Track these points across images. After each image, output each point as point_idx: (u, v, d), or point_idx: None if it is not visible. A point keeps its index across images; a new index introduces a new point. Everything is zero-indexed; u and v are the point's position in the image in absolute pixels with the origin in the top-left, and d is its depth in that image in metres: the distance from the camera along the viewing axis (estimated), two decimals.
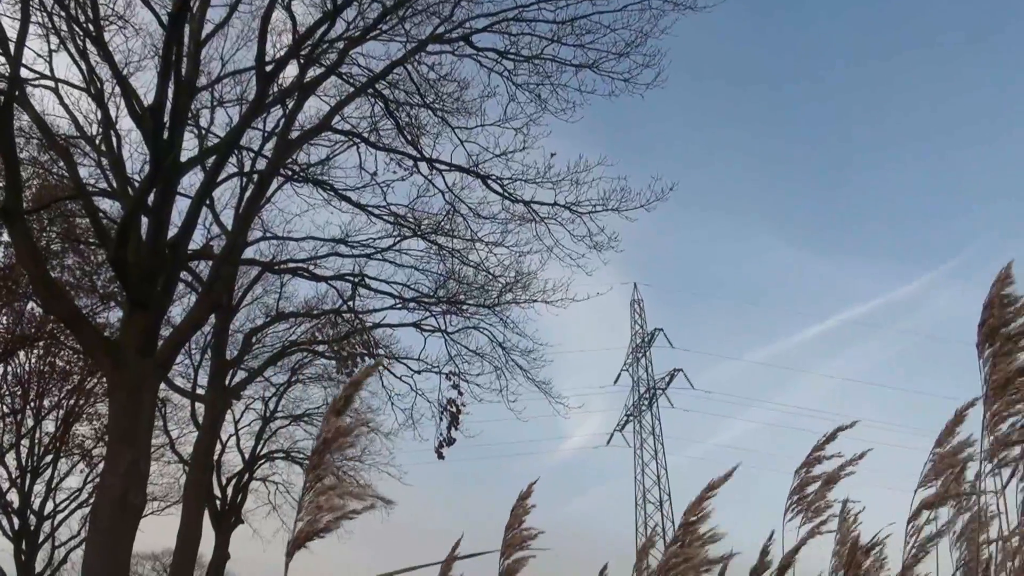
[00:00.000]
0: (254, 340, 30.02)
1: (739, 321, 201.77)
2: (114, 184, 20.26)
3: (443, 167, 21.65)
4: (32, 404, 34.72)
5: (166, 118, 15.85)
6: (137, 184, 18.95)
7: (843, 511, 3.71)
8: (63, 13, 18.34)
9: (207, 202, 23.21)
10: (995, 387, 3.30)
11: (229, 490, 36.48)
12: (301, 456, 38.75)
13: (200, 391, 29.52)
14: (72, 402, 34.08)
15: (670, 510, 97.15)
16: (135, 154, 22.05)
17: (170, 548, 28.14)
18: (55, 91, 19.99)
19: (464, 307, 25.72)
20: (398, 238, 24.88)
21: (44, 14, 18.64)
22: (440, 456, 27.62)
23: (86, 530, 37.64)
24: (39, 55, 19.66)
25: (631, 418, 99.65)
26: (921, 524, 3.18)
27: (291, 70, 19.25)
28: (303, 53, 18.52)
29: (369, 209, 23.60)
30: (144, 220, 16.68)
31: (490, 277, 24.49)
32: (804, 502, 3.51)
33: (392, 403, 28.60)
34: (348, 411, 2.26)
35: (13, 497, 37.86)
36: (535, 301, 24.30)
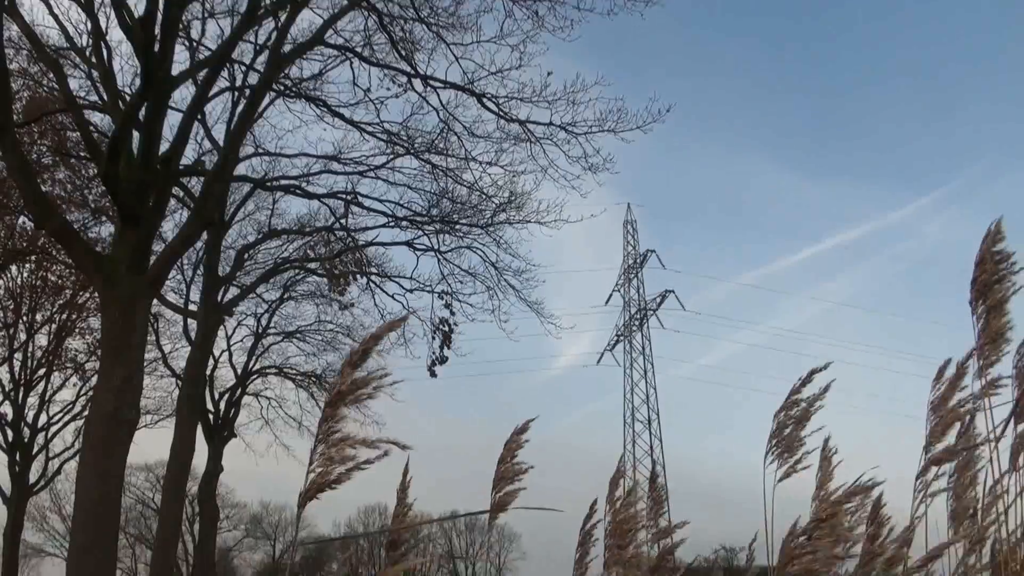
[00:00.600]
0: (246, 257, 29.89)
1: (731, 243, 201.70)
2: (104, 97, 19.96)
3: (437, 84, 21.36)
4: (24, 318, 34.68)
5: (157, 30, 15.48)
6: (128, 98, 18.66)
7: (824, 450, 3.65)
8: None
9: (199, 117, 22.89)
10: (988, 341, 3.30)
11: (222, 405, 36.65)
12: (293, 372, 38.95)
13: (192, 307, 29.47)
14: (64, 316, 34.05)
15: (658, 429, 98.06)
16: (125, 67, 21.72)
17: (163, 459, 28.37)
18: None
19: (457, 227, 25.60)
20: (391, 156, 24.67)
21: None
22: (433, 375, 27.73)
23: (80, 442, 37.85)
24: None
25: (621, 338, 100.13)
26: (930, 480, 3.12)
27: None
28: None
29: (362, 126, 23.34)
30: (135, 134, 16.42)
31: (484, 197, 24.36)
32: (782, 445, 3.45)
33: (384, 321, 28.53)
34: (365, 364, 2.14)
35: (7, 410, 38.06)
36: (529, 222, 24.21)
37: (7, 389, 37.26)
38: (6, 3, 15.12)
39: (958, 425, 3.35)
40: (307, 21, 24.18)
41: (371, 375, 2.09)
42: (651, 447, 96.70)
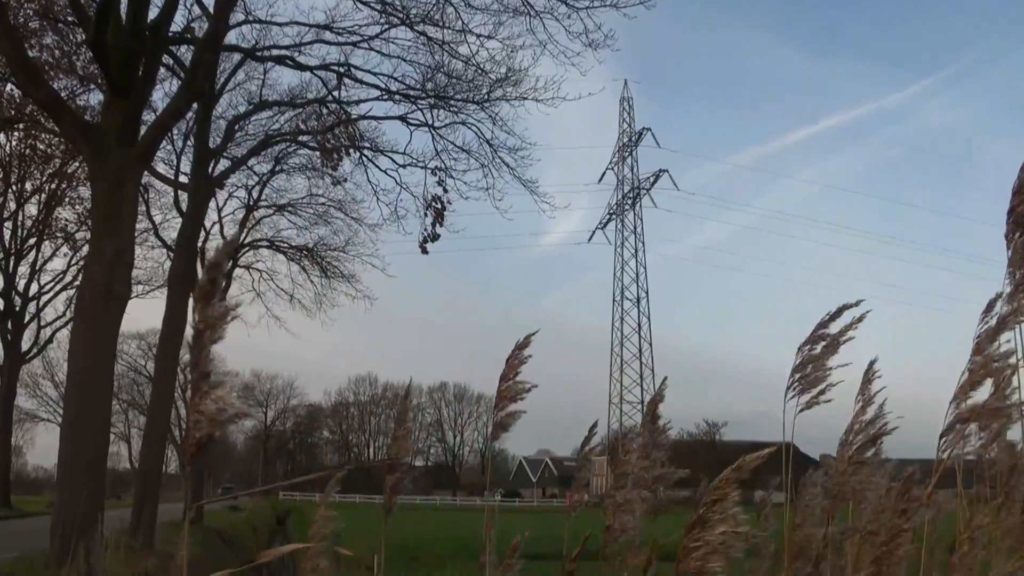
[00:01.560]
0: (237, 128, 29.34)
1: (727, 122, 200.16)
2: None
3: None
4: (14, 187, 34.30)
5: None
6: None
7: (868, 372, 3.45)
8: None
9: None
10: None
11: None
12: (285, 245, 38.77)
13: (183, 178, 29.09)
14: (54, 186, 33.63)
15: (647, 307, 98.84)
16: None
17: (154, 328, 28.39)
18: None
19: (452, 102, 25.11)
20: (385, 26, 23.97)
21: None
22: (424, 251, 27.64)
23: (71, 311, 37.88)
24: None
25: (614, 216, 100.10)
26: (956, 439, 2.92)
27: None
28: None
29: None
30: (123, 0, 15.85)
31: (480, 72, 23.84)
32: (806, 380, 3.26)
33: (377, 197, 28.31)
34: (216, 297, 1.84)
35: None
36: (525, 99, 23.77)
37: None
38: None
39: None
40: None
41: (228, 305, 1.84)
42: (639, 325, 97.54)
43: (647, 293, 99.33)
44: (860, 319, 3.35)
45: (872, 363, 3.42)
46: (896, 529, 2.40)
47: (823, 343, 3.33)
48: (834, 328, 3.35)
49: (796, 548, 3.26)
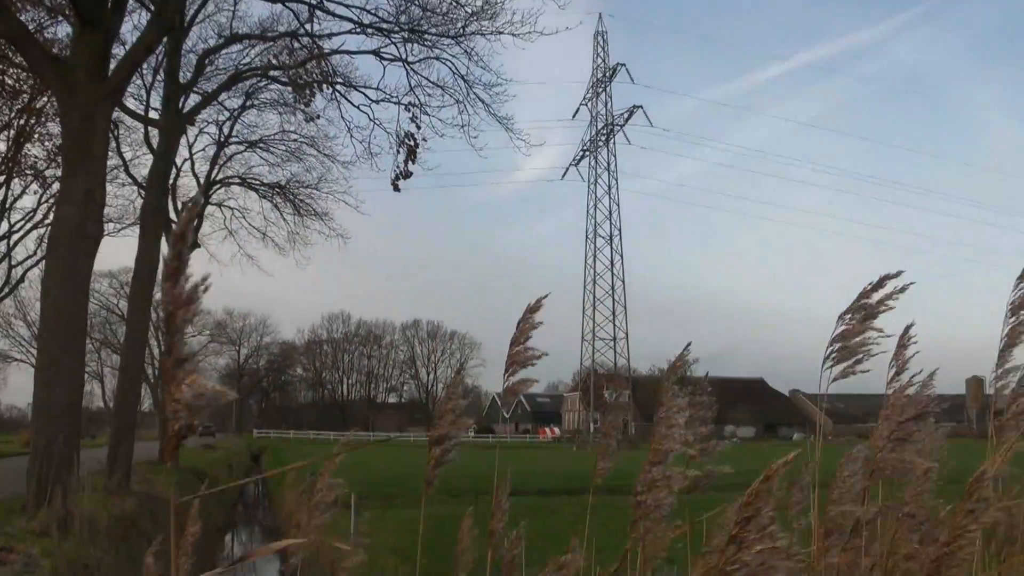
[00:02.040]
0: (207, 63, 28.76)
1: (702, 57, 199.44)
2: None
3: None
4: None
5: None
6: None
7: (903, 338, 3.33)
8: None
9: None
10: None
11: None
12: (257, 183, 38.37)
13: (153, 114, 28.57)
14: (23, 122, 32.92)
15: (620, 245, 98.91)
16: None
17: (126, 266, 28.09)
18: None
19: (426, 35, 24.66)
20: None
21: None
22: (396, 188, 27.36)
23: (42, 250, 37.41)
24: None
25: (587, 153, 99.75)
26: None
27: None
28: None
29: None
30: None
31: (455, 4, 23.39)
32: (846, 350, 3.13)
33: (351, 134, 27.97)
34: (183, 275, 1.68)
35: None
36: (501, 33, 23.39)
37: None
38: None
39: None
40: None
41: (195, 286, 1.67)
42: (612, 262, 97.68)
43: (620, 231, 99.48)
44: (901, 290, 3.22)
45: (908, 328, 3.31)
46: (960, 529, 2.24)
47: (863, 312, 3.20)
48: (875, 298, 3.22)
49: (831, 524, 3.15)
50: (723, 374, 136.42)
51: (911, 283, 3.17)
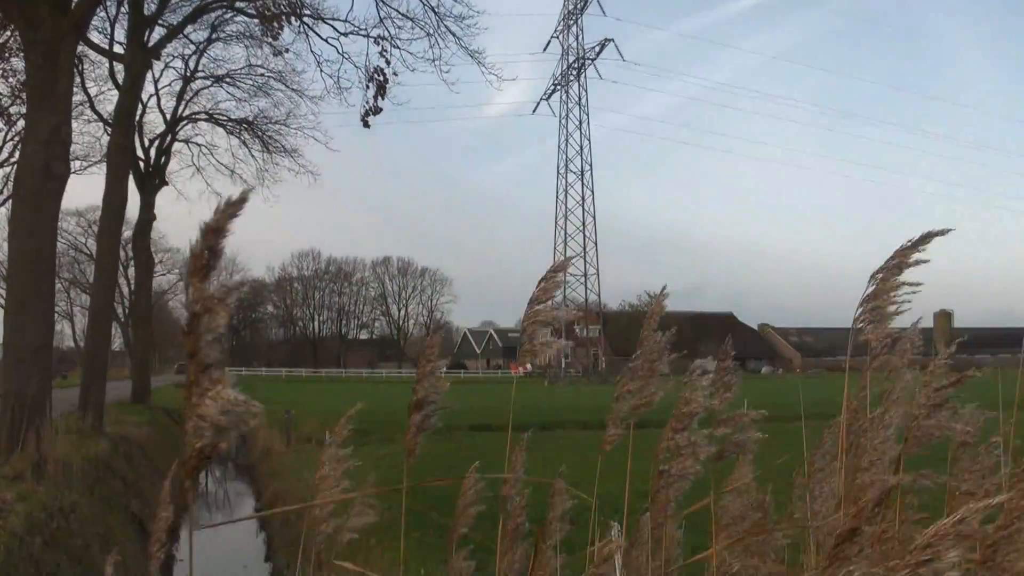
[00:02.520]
0: None
1: None
2: None
3: None
4: None
5: None
6: None
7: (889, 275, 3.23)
8: None
9: None
10: None
11: (152, 152, 35.70)
12: (224, 118, 37.81)
13: (118, 48, 27.98)
14: None
15: (591, 180, 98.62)
16: None
17: (93, 204, 27.72)
18: None
19: None
20: None
21: None
22: (366, 125, 27.00)
23: (8, 189, 36.82)
24: None
25: (558, 87, 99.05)
26: None
27: None
28: None
29: None
30: None
31: None
32: (879, 311, 2.99)
33: (320, 68, 27.55)
34: (214, 271, 1.47)
35: None
36: None
37: None
38: None
39: None
40: None
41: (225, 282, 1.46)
42: (583, 198, 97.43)
43: (591, 166, 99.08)
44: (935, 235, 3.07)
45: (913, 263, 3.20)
46: (1020, 511, 2.06)
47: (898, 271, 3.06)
48: (913, 257, 3.06)
49: (857, 491, 3.04)
50: (693, 308, 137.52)
51: (950, 230, 3.02)
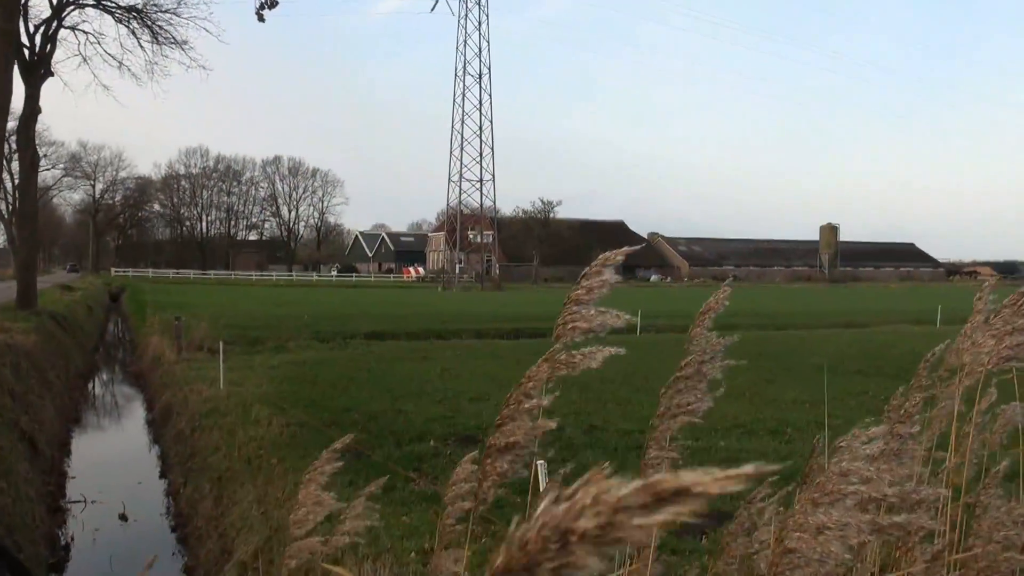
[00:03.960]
0: None
1: None
2: None
3: None
4: None
5: None
6: None
7: None
8: None
9: None
10: None
11: (37, 39, 33.90)
12: (112, 4, 36.02)
13: None
14: None
15: (489, 84, 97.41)
16: None
17: None
18: None
19: None
20: None
21: None
22: (261, 19, 26.08)
23: None
24: None
25: None
26: None
27: None
28: None
29: None
30: None
31: None
32: None
33: None
34: None
35: None
36: None
37: None
38: None
39: None
40: None
41: None
42: (480, 102, 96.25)
43: (490, 69, 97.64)
44: None
45: None
46: None
47: None
48: None
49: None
50: (585, 216, 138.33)
51: None
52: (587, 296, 2.46)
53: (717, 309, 2.94)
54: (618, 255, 2.43)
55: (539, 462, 5.59)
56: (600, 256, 2.53)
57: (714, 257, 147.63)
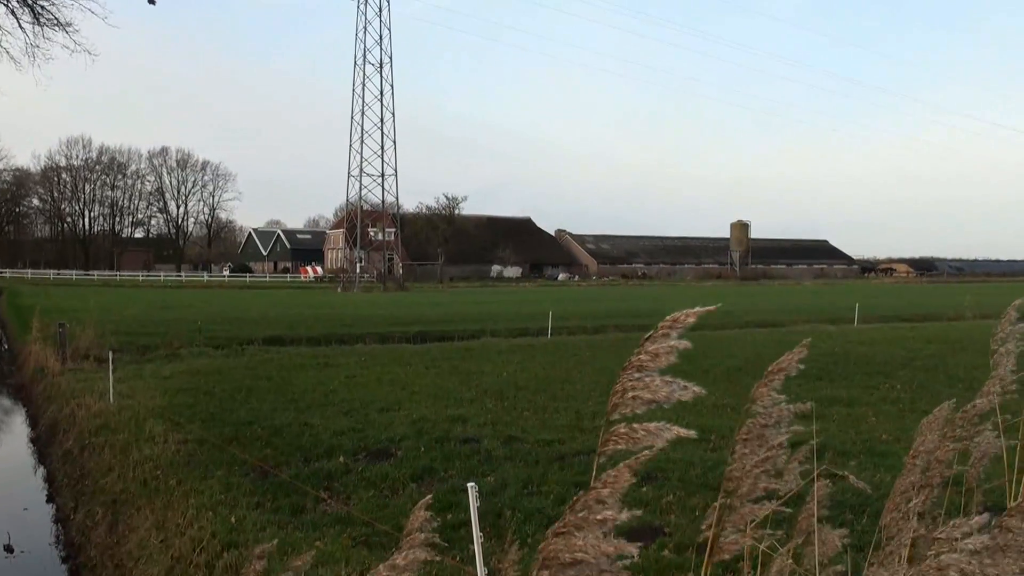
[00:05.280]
0: None
1: None
2: None
3: None
4: None
5: None
6: None
7: None
8: None
9: None
10: None
11: None
12: None
13: None
14: None
15: (390, 73, 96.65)
16: None
17: None
18: None
19: None
20: None
21: None
22: (151, 1, 25.45)
23: None
24: None
25: None
26: None
27: None
28: None
29: None
30: None
31: None
32: None
33: None
34: None
35: None
36: None
37: None
38: None
39: None
40: None
41: None
42: (381, 92, 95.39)
43: (391, 58, 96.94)
44: None
45: None
46: None
47: None
48: None
49: None
50: (491, 212, 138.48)
51: None
52: (652, 363, 2.25)
53: (789, 370, 2.83)
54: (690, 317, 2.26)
55: (470, 484, 5.47)
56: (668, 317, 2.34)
57: (623, 255, 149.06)
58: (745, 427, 2.77)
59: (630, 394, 2.22)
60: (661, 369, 2.25)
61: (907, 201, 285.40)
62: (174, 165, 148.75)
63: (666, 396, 2.19)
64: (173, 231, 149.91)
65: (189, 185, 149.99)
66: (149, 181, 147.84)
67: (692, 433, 2.16)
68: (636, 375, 2.24)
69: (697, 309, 2.28)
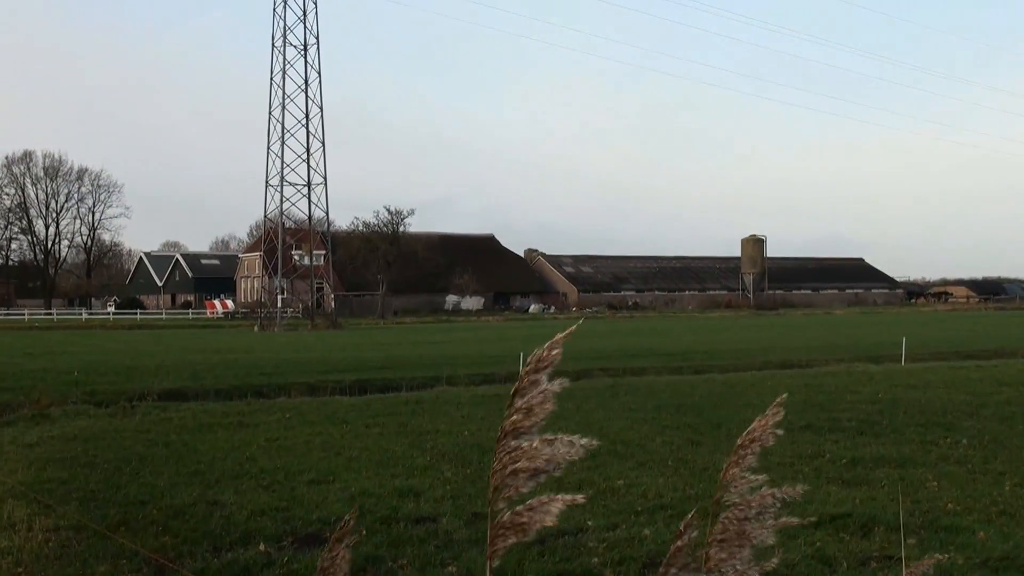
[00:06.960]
0: None
1: None
2: None
3: None
4: None
5: None
6: None
7: None
8: None
9: None
10: None
11: None
12: None
13: None
14: None
15: (317, 58, 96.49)
16: None
17: None
18: None
19: None
20: None
21: None
22: None
23: None
24: None
25: None
26: None
27: None
28: None
29: None
30: None
31: None
32: None
33: None
34: None
35: None
36: None
37: None
38: None
39: None
40: None
41: None
42: (306, 80, 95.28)
43: (318, 38, 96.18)
44: None
45: None
46: None
47: None
48: None
49: None
50: (443, 230, 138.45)
51: None
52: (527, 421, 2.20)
53: (764, 440, 2.70)
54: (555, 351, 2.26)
55: None
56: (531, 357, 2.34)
57: (609, 280, 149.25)
58: (719, 524, 2.64)
59: (509, 469, 2.24)
60: (541, 427, 2.29)
61: (966, 211, 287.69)
62: (41, 174, 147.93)
63: (548, 459, 2.22)
64: (41, 257, 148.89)
65: (61, 199, 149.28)
66: (8, 194, 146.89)
67: (579, 498, 2.26)
68: (512, 443, 2.27)
69: (558, 336, 2.35)
